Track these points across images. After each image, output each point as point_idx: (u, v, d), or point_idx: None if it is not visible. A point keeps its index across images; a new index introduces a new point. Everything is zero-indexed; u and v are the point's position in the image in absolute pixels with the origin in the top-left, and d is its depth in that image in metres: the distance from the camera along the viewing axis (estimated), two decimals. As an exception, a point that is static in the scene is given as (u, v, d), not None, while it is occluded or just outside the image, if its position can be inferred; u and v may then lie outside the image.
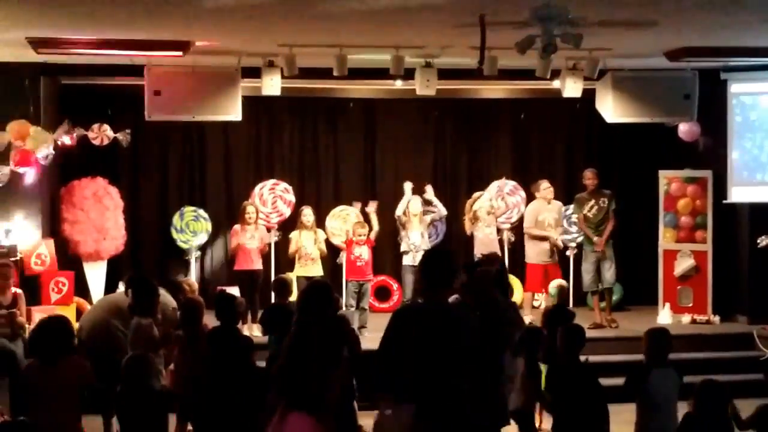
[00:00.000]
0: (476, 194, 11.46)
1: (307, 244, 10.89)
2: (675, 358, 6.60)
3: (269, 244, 11.25)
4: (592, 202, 11.10)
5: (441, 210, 11.37)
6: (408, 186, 11.22)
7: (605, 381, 6.55)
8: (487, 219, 11.14)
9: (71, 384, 5.65)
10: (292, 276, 10.39)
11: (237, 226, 10.93)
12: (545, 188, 11.37)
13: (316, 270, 10.88)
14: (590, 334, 6.99)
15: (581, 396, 6.18)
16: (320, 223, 11.94)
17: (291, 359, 5.03)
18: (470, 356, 5.18)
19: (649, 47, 9.47)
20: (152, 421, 5.90)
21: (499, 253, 11.10)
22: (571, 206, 11.81)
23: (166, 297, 8.10)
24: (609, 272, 11.03)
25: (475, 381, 5.25)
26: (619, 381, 6.49)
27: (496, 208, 11.34)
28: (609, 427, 6.27)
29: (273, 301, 9.01)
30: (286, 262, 11.33)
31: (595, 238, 10.99)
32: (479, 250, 10.90)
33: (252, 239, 10.81)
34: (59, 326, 5.80)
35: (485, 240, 11.08)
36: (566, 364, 6.37)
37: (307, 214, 11.07)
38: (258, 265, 10.90)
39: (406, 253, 11.07)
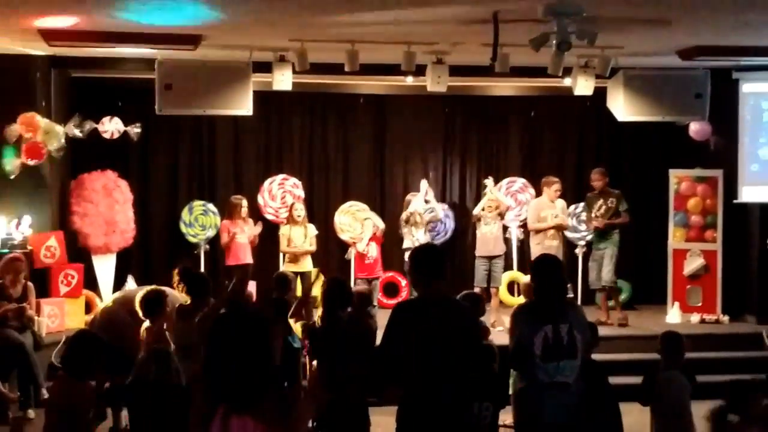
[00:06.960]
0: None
1: (296, 239, 10.91)
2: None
3: (257, 236, 11.20)
4: (600, 201, 11.07)
5: (438, 211, 11.52)
6: (424, 184, 11.33)
7: (615, 380, 6.55)
8: (487, 217, 11.02)
9: (85, 402, 5.64)
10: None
11: (226, 221, 11.02)
12: (556, 189, 11.23)
13: (306, 265, 10.89)
14: (600, 332, 6.98)
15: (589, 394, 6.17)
16: (329, 218, 11.95)
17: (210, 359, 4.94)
18: (471, 344, 5.26)
19: (661, 46, 9.45)
20: (166, 415, 5.88)
21: (504, 249, 11.09)
22: (580, 204, 11.83)
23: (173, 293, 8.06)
24: (605, 270, 10.93)
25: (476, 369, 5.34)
26: (628, 380, 6.48)
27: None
28: (622, 426, 6.27)
29: (273, 295, 9.00)
30: (274, 255, 11.39)
31: (594, 222, 11.07)
32: (479, 251, 10.95)
33: (242, 233, 10.91)
34: (94, 344, 5.73)
35: (483, 239, 11.02)
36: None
37: (298, 208, 11.09)
38: (249, 259, 10.99)
39: (409, 249, 11.03)
